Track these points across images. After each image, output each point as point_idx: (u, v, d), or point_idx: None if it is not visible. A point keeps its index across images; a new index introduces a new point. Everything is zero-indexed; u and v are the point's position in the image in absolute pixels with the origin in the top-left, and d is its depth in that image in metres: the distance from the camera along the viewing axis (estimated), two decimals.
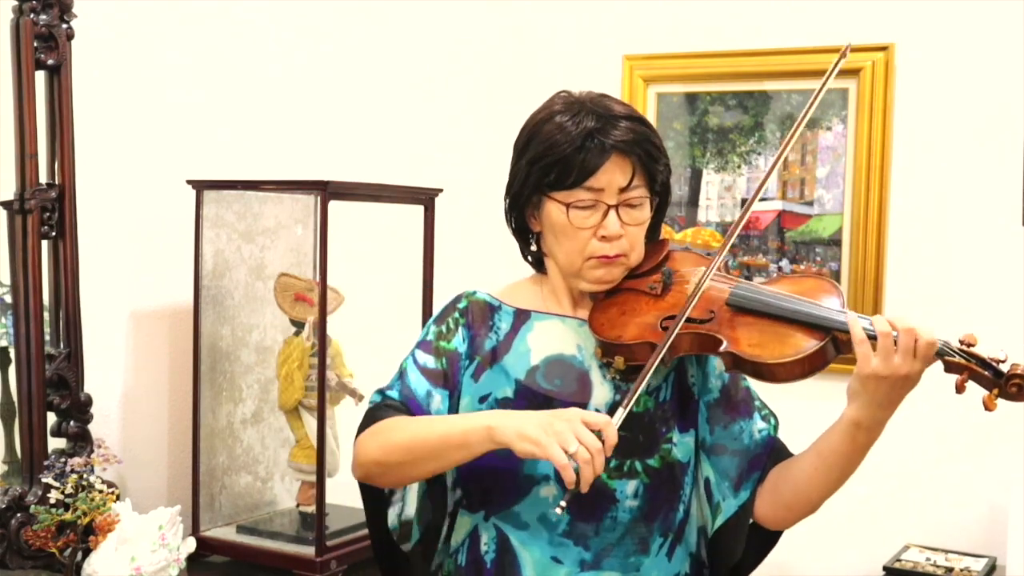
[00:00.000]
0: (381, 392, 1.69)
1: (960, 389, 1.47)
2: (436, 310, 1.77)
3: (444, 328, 1.70)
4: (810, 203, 2.97)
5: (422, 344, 1.71)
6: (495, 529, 1.63)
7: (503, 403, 1.63)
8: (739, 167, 3.05)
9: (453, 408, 1.67)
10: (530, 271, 1.80)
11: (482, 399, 1.65)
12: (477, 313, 1.70)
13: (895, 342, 1.45)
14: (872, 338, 1.46)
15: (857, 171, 2.90)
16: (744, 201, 3.05)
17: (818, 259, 2.96)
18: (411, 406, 1.65)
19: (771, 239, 3.01)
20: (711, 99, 3.09)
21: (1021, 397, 1.47)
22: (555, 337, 1.66)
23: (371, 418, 1.64)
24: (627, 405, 1.50)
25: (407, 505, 1.67)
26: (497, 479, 1.61)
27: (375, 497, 1.69)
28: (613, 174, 1.59)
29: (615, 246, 1.61)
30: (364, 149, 3.16)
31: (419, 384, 1.66)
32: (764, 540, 1.70)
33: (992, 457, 2.73)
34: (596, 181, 1.58)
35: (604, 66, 3.21)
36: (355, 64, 3.17)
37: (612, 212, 1.60)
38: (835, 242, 2.94)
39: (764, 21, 3.02)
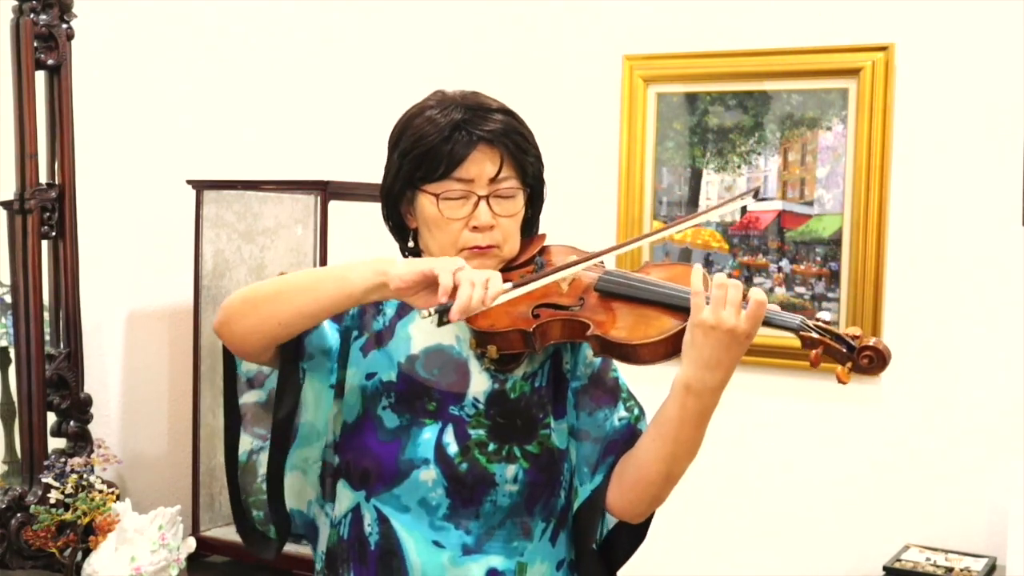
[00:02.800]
0: None
1: (815, 363, 1.48)
2: None
3: None
4: (810, 203, 2.97)
5: None
6: (376, 511, 1.64)
7: (387, 385, 1.65)
8: (739, 167, 3.05)
9: (341, 352, 1.68)
10: None
11: (368, 376, 1.67)
12: None
13: (726, 295, 1.48)
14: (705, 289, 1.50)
15: (857, 171, 2.90)
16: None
17: (818, 259, 2.96)
18: None
19: (771, 239, 3.01)
20: (711, 99, 3.09)
21: (873, 370, 1.48)
22: (434, 328, 1.67)
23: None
24: (517, 288, 1.51)
25: (263, 448, 1.66)
26: (376, 461, 1.62)
27: (231, 395, 1.71)
28: (482, 164, 1.61)
29: (487, 236, 1.63)
30: (364, 149, 3.16)
31: None
32: (633, 532, 1.70)
33: (992, 457, 2.73)
34: (465, 171, 1.60)
35: (604, 66, 3.21)
36: (355, 64, 3.17)
37: (483, 203, 1.62)
38: (835, 242, 2.94)
39: (764, 21, 3.02)
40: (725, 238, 3.07)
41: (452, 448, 1.61)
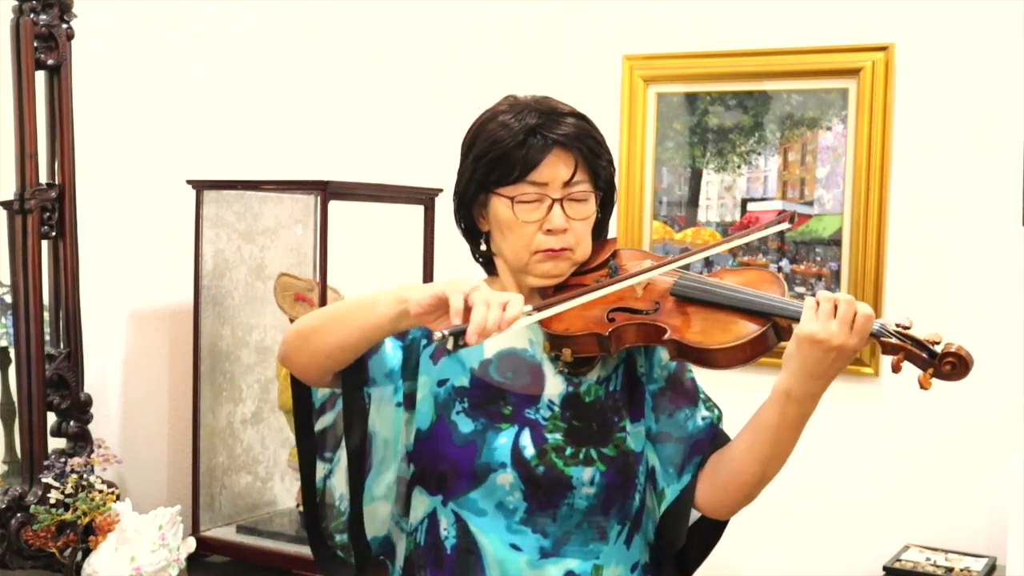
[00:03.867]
0: None
1: (896, 368, 1.51)
2: None
3: None
4: (810, 203, 2.97)
5: None
6: (453, 515, 1.64)
7: (460, 390, 1.66)
8: (739, 167, 3.05)
9: (406, 367, 1.68)
10: None
11: (440, 383, 1.67)
12: None
13: (836, 309, 1.49)
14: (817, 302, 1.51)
15: (857, 171, 2.90)
16: (744, 202, 3.05)
17: (818, 259, 2.96)
18: None
19: (771, 239, 3.01)
20: (711, 99, 3.09)
21: (955, 376, 1.50)
22: (507, 332, 1.67)
23: None
24: (541, 310, 1.52)
25: (337, 465, 1.68)
26: (452, 466, 1.63)
27: (306, 424, 1.70)
28: (556, 168, 1.62)
29: (560, 239, 1.64)
30: (364, 149, 3.16)
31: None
32: (709, 532, 1.72)
33: (992, 457, 2.73)
34: (539, 175, 1.61)
35: (604, 66, 3.21)
36: (355, 64, 3.17)
37: (556, 206, 1.62)
38: (835, 242, 2.94)
39: (764, 21, 3.02)
40: (725, 238, 3.07)
41: (529, 451, 1.61)
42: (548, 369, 1.66)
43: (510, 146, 1.61)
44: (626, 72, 3.19)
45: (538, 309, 1.51)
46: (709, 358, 1.55)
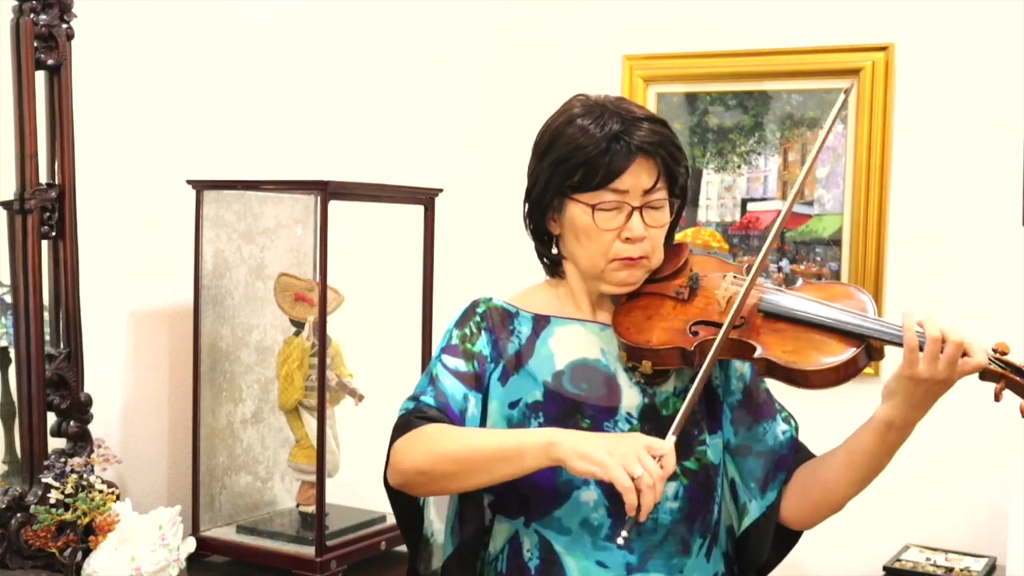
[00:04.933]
0: (414, 398, 1.65)
1: (998, 397, 1.51)
2: (454, 316, 1.74)
3: (468, 331, 1.68)
4: (810, 203, 2.97)
5: (448, 349, 1.68)
6: (537, 535, 1.62)
7: (533, 407, 1.62)
8: (739, 167, 3.05)
9: (484, 412, 1.65)
10: (531, 275, 1.80)
11: (512, 404, 1.64)
12: (496, 318, 1.69)
13: (942, 349, 1.47)
14: (921, 344, 1.48)
15: (857, 171, 2.90)
16: (744, 202, 3.05)
17: (818, 259, 2.96)
18: (448, 412, 1.62)
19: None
20: (711, 99, 3.09)
21: None
22: (577, 341, 1.65)
23: (407, 424, 1.60)
24: (676, 431, 1.49)
25: (433, 520, 1.67)
26: (535, 486, 1.59)
27: (414, 518, 1.68)
28: (639, 176, 1.59)
29: (638, 248, 1.61)
30: (364, 149, 3.16)
31: (455, 388, 1.63)
32: (786, 539, 1.73)
33: (992, 457, 2.73)
34: (622, 183, 1.58)
35: (604, 66, 3.21)
36: (355, 64, 3.17)
37: (636, 214, 1.60)
38: (835, 242, 2.94)
39: (764, 21, 3.02)
40: (725, 238, 3.07)
41: None
42: (623, 380, 1.63)
43: (592, 153, 1.57)
44: (626, 72, 3.19)
45: (677, 429, 1.49)
46: (801, 378, 1.52)
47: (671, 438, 1.48)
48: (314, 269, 2.74)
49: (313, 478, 2.54)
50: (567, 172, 1.60)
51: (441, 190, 2.74)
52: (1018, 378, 1.49)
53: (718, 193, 3.08)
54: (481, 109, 3.41)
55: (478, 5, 3.38)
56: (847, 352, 1.51)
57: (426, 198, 2.72)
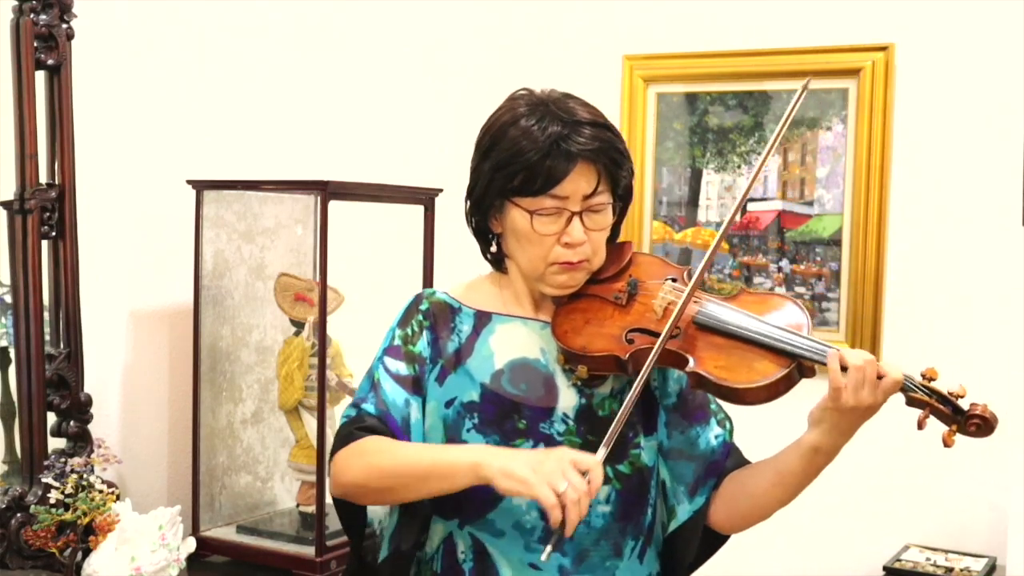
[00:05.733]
0: (356, 406, 1.66)
1: (921, 425, 1.51)
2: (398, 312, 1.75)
3: (409, 331, 1.69)
4: (810, 203, 2.97)
5: (389, 350, 1.68)
6: (471, 538, 1.63)
7: (469, 406, 1.62)
8: (739, 167, 3.05)
9: (424, 412, 1.66)
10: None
11: (448, 403, 1.64)
12: (439, 314, 1.69)
13: (864, 375, 1.49)
14: (843, 371, 1.49)
15: (857, 171, 2.90)
16: (744, 203, 3.05)
17: (818, 259, 2.96)
18: (388, 421, 1.63)
19: (771, 239, 3.01)
20: (711, 99, 3.09)
21: (980, 434, 1.51)
22: (518, 340, 1.66)
23: (348, 436, 1.62)
24: (608, 443, 1.50)
25: (379, 510, 1.67)
26: (469, 489, 1.59)
27: (357, 523, 1.68)
28: (578, 182, 1.58)
29: (578, 252, 1.61)
30: (364, 149, 3.16)
31: (396, 394, 1.64)
32: (714, 540, 1.72)
33: (992, 457, 2.73)
34: (561, 189, 1.57)
35: (604, 66, 3.21)
36: (355, 64, 3.17)
37: (576, 219, 1.59)
38: (835, 242, 2.94)
39: (764, 21, 3.02)
40: (725, 238, 3.07)
41: None
42: (561, 380, 1.63)
43: (533, 159, 1.56)
44: (626, 72, 3.19)
45: (607, 443, 1.50)
46: (731, 395, 1.53)
47: (601, 451, 1.49)
48: (314, 269, 2.74)
49: (313, 478, 2.54)
50: (507, 176, 1.60)
51: (441, 190, 2.74)
52: (942, 406, 1.49)
53: (718, 193, 3.08)
54: (481, 109, 3.39)
55: (478, 5, 3.38)
56: (778, 372, 1.51)
57: (426, 198, 2.72)
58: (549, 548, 1.44)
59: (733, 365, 1.53)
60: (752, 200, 3.04)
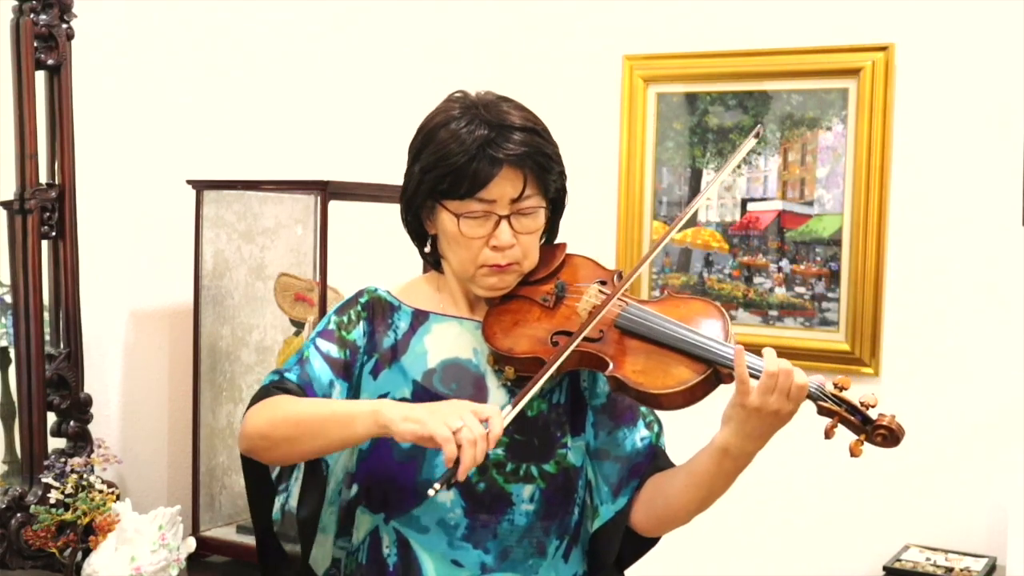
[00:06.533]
0: (278, 372, 1.68)
1: (829, 434, 1.50)
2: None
3: (346, 319, 1.70)
4: (810, 203, 2.97)
5: (324, 333, 1.69)
6: (395, 533, 1.64)
7: (400, 403, 1.62)
8: (739, 167, 3.05)
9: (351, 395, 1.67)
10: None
11: (380, 398, 1.65)
12: (378, 309, 1.71)
13: (776, 382, 1.48)
14: (754, 376, 1.49)
15: (857, 171, 2.90)
16: (744, 202, 3.05)
17: (818, 259, 2.96)
18: (308, 393, 1.64)
19: (771, 239, 3.01)
20: (711, 99, 3.09)
21: (886, 445, 1.50)
22: (452, 340, 1.67)
23: (264, 393, 1.63)
24: (516, 405, 1.51)
25: (291, 496, 1.66)
26: (395, 484, 1.62)
27: (262, 487, 1.68)
28: (504, 186, 1.59)
29: (507, 255, 1.62)
30: (364, 149, 3.16)
31: (323, 372, 1.65)
32: (641, 542, 1.72)
33: (992, 457, 2.73)
34: (488, 193, 1.58)
35: (604, 66, 3.21)
36: (355, 64, 3.17)
37: (504, 222, 1.60)
38: (835, 242, 2.94)
39: (764, 21, 3.02)
40: (725, 238, 3.07)
41: None
42: (491, 381, 1.65)
43: (459, 162, 1.58)
44: (626, 72, 3.19)
45: (516, 402, 1.50)
46: (648, 399, 1.54)
47: (508, 408, 1.49)
48: (314, 269, 2.74)
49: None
50: (435, 179, 1.61)
51: None
52: (850, 416, 1.49)
53: (718, 193, 3.09)
54: None
55: (478, 5, 3.38)
56: (694, 377, 1.52)
57: None
58: (437, 485, 1.43)
59: (651, 370, 1.54)
60: (752, 200, 3.04)
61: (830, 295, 2.94)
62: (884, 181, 2.87)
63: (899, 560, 2.67)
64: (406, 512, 1.62)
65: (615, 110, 3.20)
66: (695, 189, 3.11)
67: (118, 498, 2.35)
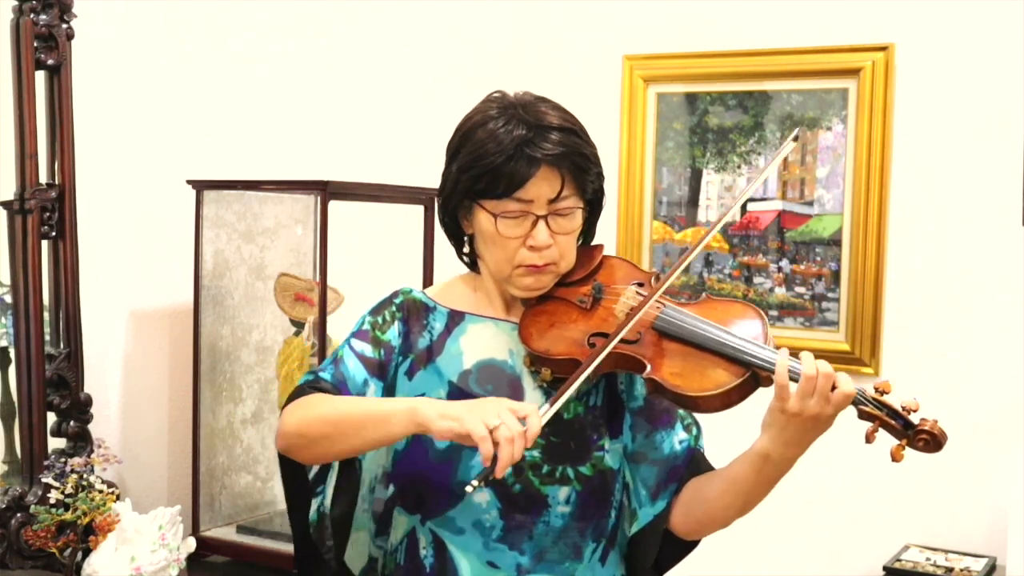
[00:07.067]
0: (313, 372, 1.68)
1: (870, 439, 1.49)
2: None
3: (380, 319, 1.70)
4: (810, 203, 2.97)
5: (358, 333, 1.70)
6: (431, 534, 1.64)
7: None
8: (739, 167, 3.05)
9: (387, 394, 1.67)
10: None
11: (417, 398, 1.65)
12: (412, 310, 1.71)
13: (815, 385, 1.47)
14: (793, 379, 1.48)
15: (857, 171, 2.90)
16: (744, 202, 3.05)
17: (818, 259, 2.96)
18: (343, 392, 1.64)
19: (771, 239, 3.01)
20: (711, 99, 3.09)
21: (928, 450, 1.50)
22: (488, 341, 1.67)
23: (299, 393, 1.64)
24: (553, 404, 1.50)
25: (326, 497, 1.66)
26: (430, 485, 1.62)
27: (299, 489, 1.68)
28: (541, 186, 1.58)
29: (544, 256, 1.61)
30: (364, 149, 3.16)
31: (357, 371, 1.65)
32: (680, 546, 1.71)
33: (992, 457, 2.73)
34: (525, 193, 1.58)
35: (604, 66, 3.21)
36: (355, 64, 3.17)
37: (541, 223, 1.59)
38: (835, 242, 2.94)
39: (764, 21, 3.02)
40: (725, 238, 3.07)
41: None
42: (527, 383, 1.64)
43: (497, 162, 1.57)
44: (626, 72, 3.19)
45: (554, 402, 1.49)
46: (686, 402, 1.53)
47: (545, 406, 1.49)
48: (314, 269, 2.74)
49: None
50: (472, 179, 1.60)
51: None
52: (892, 420, 1.48)
53: (718, 193, 3.08)
54: None
55: (478, 5, 3.38)
56: (732, 380, 1.51)
57: (426, 198, 2.72)
58: (475, 482, 1.42)
59: (688, 372, 1.53)
60: (752, 200, 3.04)
61: (830, 295, 2.94)
62: (884, 181, 2.87)
63: (899, 560, 2.67)
64: (442, 514, 1.61)
65: (615, 110, 3.20)
66: (695, 189, 3.11)
67: (118, 498, 2.35)
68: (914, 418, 1.49)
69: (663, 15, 3.16)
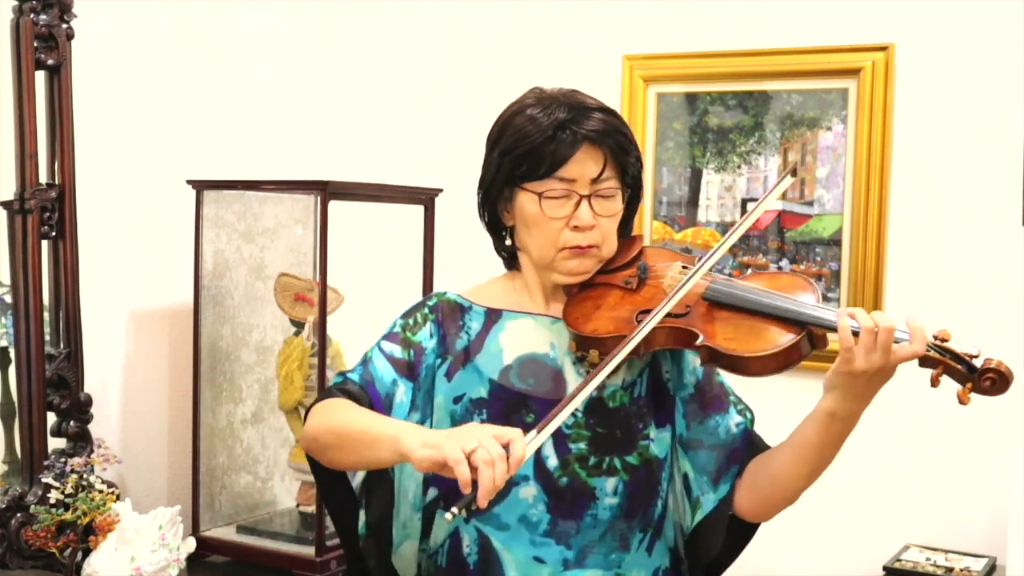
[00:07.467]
0: (343, 374, 1.68)
1: (935, 383, 1.50)
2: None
3: (411, 321, 1.70)
4: (810, 203, 2.98)
5: (388, 336, 1.70)
6: (476, 531, 1.63)
7: (477, 403, 1.63)
8: (739, 167, 3.05)
9: (419, 402, 1.66)
10: (498, 273, 1.80)
11: (456, 399, 1.64)
12: (447, 311, 1.70)
13: (876, 339, 1.47)
14: (855, 335, 1.47)
15: (857, 171, 2.90)
16: (744, 202, 3.05)
17: (818, 259, 2.96)
18: (370, 392, 1.63)
19: (771, 239, 3.01)
20: (711, 99, 3.09)
21: (995, 391, 1.49)
22: (527, 336, 1.66)
23: (326, 395, 1.64)
24: (543, 427, 1.46)
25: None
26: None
27: (334, 493, 1.68)
28: (585, 164, 1.59)
29: (587, 236, 1.61)
30: (364, 149, 3.16)
31: (386, 371, 1.65)
32: (741, 534, 1.71)
33: (992, 457, 2.73)
34: (568, 171, 1.59)
35: (604, 66, 3.21)
36: (355, 64, 3.17)
37: (584, 202, 1.60)
38: (835, 242, 2.94)
39: (764, 21, 3.02)
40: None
41: (552, 462, 1.59)
42: (570, 374, 1.64)
43: (538, 141, 1.58)
44: (626, 72, 3.19)
45: (541, 429, 1.44)
46: (742, 365, 1.52)
47: (532, 434, 1.43)
48: (314, 269, 2.74)
49: (313, 478, 2.54)
50: (515, 162, 1.61)
51: (441, 190, 2.74)
52: (957, 364, 1.48)
53: (718, 193, 3.09)
54: (481, 109, 3.39)
55: (478, 5, 3.38)
56: (787, 338, 1.51)
57: (426, 198, 2.72)
58: (455, 509, 1.37)
59: (741, 336, 1.53)
60: (752, 200, 3.04)
61: (830, 295, 2.94)
62: (884, 181, 2.87)
63: (899, 560, 2.67)
64: (487, 510, 1.58)
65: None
66: (695, 189, 3.11)
67: (118, 498, 2.35)
68: (977, 362, 1.48)
69: (663, 15, 3.16)
